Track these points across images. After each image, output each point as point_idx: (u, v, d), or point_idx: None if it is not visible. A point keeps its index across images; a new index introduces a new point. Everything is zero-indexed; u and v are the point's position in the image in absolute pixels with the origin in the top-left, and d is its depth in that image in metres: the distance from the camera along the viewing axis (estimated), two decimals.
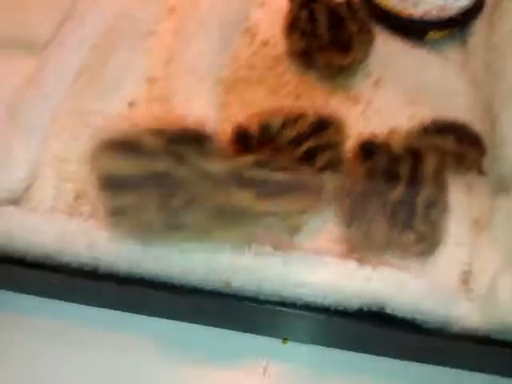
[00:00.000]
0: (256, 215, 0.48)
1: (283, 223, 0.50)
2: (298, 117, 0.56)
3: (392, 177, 0.52)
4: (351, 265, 0.50)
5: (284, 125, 0.55)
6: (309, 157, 0.54)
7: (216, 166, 0.47)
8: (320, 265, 0.50)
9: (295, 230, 0.52)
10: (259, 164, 0.48)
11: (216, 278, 0.50)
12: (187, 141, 0.48)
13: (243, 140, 0.55)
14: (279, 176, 0.48)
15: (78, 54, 0.69)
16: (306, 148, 0.54)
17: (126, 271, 0.52)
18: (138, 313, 0.57)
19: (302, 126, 0.55)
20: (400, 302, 0.48)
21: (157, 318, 0.57)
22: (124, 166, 0.47)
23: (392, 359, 0.54)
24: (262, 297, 0.51)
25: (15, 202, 0.57)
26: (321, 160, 0.54)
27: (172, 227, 0.48)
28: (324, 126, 0.56)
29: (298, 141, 0.54)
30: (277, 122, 0.55)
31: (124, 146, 0.48)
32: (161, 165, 0.47)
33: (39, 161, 0.60)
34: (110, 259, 0.51)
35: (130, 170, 0.47)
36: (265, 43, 0.73)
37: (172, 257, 0.50)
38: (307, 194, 0.49)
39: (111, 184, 0.48)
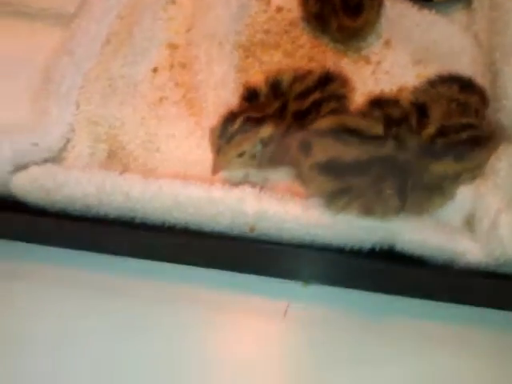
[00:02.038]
0: (456, 176, 0.53)
1: (472, 176, 0.54)
2: (307, 73, 0.62)
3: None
4: None
5: (294, 81, 0.61)
6: (315, 107, 0.59)
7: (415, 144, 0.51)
8: None
9: (476, 179, 0.56)
10: (442, 131, 0.52)
11: (241, 223, 0.55)
12: (405, 123, 0.52)
13: (252, 97, 0.60)
14: (466, 135, 0.52)
15: (105, 24, 0.73)
16: (312, 99, 0.59)
17: (159, 220, 0.57)
18: (170, 261, 0.62)
19: (309, 81, 0.61)
20: (409, 238, 0.53)
21: (188, 266, 0.62)
22: (347, 151, 0.50)
23: (407, 298, 0.59)
24: (282, 240, 0.56)
25: (53, 160, 0.62)
26: (325, 110, 0.59)
27: (393, 210, 0.52)
28: (329, 79, 0.61)
29: (305, 94, 0.60)
30: (287, 78, 0.61)
31: (344, 132, 0.51)
32: (384, 149, 0.50)
33: (74, 123, 0.66)
34: (144, 208, 0.56)
35: (354, 155, 0.50)
36: (279, 9, 0.77)
37: (201, 204, 0.55)
38: (489, 144, 0.54)
39: (333, 168, 0.51)
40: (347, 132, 0.51)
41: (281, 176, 0.61)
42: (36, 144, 0.61)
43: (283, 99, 0.60)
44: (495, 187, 0.58)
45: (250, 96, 0.61)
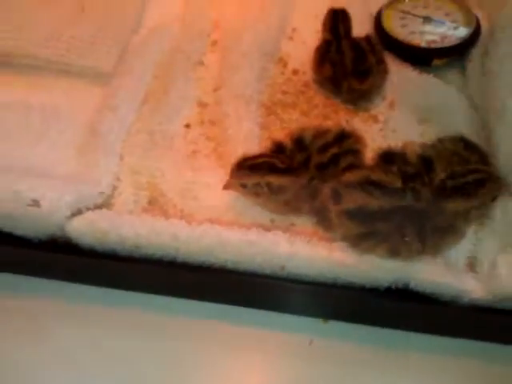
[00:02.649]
0: (466, 213, 0.62)
1: (479, 214, 0.63)
2: (326, 131, 0.72)
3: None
4: None
5: (314, 137, 0.70)
6: (333, 161, 0.68)
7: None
8: None
9: (483, 217, 0.65)
10: (452, 175, 0.62)
11: (273, 263, 0.63)
12: (419, 178, 0.61)
13: (279, 151, 0.69)
14: (473, 177, 0.62)
15: (143, 82, 0.82)
16: (331, 154, 0.68)
17: (200, 260, 0.65)
18: (207, 300, 0.69)
19: (328, 137, 0.70)
20: (422, 278, 0.61)
21: (217, 304, 0.69)
22: (372, 201, 0.59)
23: (419, 334, 0.66)
24: (308, 278, 0.64)
25: (103, 206, 0.70)
26: (343, 163, 0.68)
27: (415, 252, 0.60)
28: (345, 136, 0.71)
29: (324, 148, 0.69)
30: (309, 135, 0.70)
31: (369, 184, 0.60)
32: (403, 200, 0.59)
33: (118, 173, 0.74)
34: (188, 248, 0.64)
35: (378, 204, 0.59)
36: (295, 71, 0.87)
37: (239, 245, 0.63)
38: (496, 184, 0.63)
39: (360, 215, 0.60)
40: (372, 185, 0.60)
41: (304, 222, 0.69)
42: (89, 191, 0.68)
43: (307, 153, 0.69)
44: (492, 232, 0.67)
45: (278, 150, 0.70)
